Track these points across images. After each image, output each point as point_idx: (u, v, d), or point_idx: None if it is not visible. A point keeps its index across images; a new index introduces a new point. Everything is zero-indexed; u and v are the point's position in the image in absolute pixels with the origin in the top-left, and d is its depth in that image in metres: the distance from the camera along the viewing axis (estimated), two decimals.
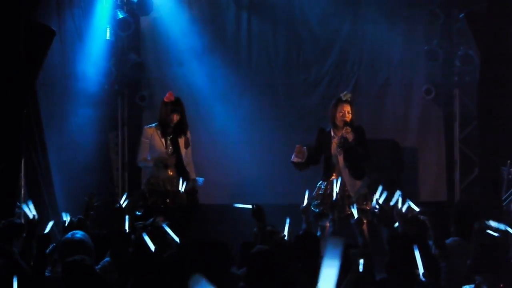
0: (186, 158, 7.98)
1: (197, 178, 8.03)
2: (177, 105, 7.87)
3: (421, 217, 5.84)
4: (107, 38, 9.42)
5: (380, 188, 6.23)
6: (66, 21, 8.63)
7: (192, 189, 7.88)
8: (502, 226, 5.52)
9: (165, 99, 7.90)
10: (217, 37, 9.94)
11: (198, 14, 9.93)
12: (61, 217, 7.89)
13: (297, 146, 7.86)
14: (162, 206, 7.66)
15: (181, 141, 7.92)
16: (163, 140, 7.88)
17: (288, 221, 5.91)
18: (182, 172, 7.84)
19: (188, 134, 7.98)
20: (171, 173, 7.84)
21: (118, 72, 9.58)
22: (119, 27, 9.43)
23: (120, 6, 9.56)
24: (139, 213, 7.25)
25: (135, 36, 9.80)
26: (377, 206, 6.00)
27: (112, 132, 9.89)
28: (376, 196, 6.15)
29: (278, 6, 9.87)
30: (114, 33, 9.48)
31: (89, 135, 9.15)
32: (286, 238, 5.76)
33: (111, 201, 9.52)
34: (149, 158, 7.93)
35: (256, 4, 9.92)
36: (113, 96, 9.80)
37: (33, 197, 7.71)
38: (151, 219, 6.52)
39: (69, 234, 5.50)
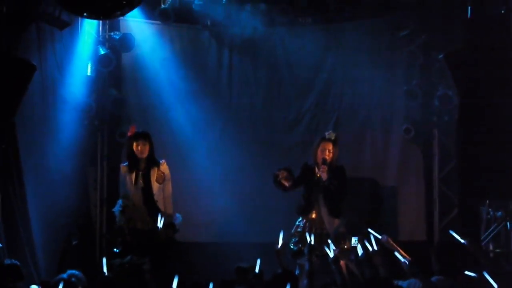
0: (162, 193, 7.91)
1: (176, 214, 7.97)
2: (141, 136, 7.86)
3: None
4: (88, 73, 9.41)
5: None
6: (47, 56, 8.61)
7: (169, 225, 7.80)
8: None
9: (129, 133, 7.91)
10: (199, 73, 9.99)
11: (179, 51, 9.98)
12: (38, 260, 7.86)
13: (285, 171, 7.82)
14: (137, 244, 7.55)
15: (153, 174, 7.87)
16: (133, 175, 7.83)
17: (259, 261, 5.88)
18: (152, 207, 7.76)
19: (165, 169, 7.92)
20: (143, 210, 7.76)
21: (98, 108, 9.57)
22: (101, 63, 9.44)
23: (102, 42, 9.59)
24: (117, 250, 7.18)
25: (116, 72, 9.80)
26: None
27: (91, 168, 9.83)
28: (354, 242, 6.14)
29: (260, 44, 9.95)
30: (95, 68, 9.49)
31: (68, 171, 9.07)
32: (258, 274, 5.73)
33: (89, 239, 9.47)
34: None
35: (237, 41, 9.99)
36: (93, 131, 9.76)
37: (9, 235, 7.63)
38: (129, 257, 6.46)
39: (65, 275, 5.45)
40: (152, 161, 7.89)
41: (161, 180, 7.86)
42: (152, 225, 7.59)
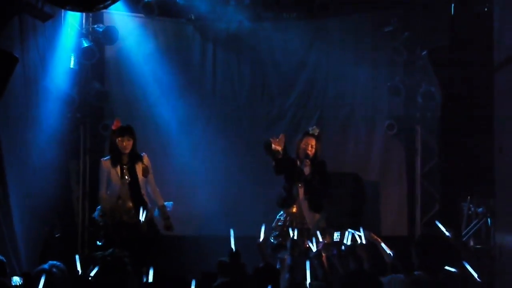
0: (149, 186, 7.91)
1: (165, 203, 7.97)
2: (126, 131, 7.83)
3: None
4: (71, 66, 9.36)
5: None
6: (29, 48, 8.54)
7: (152, 221, 7.80)
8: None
9: (113, 127, 7.88)
10: (182, 67, 9.97)
11: (163, 44, 9.96)
12: (19, 253, 7.81)
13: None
14: (118, 237, 7.55)
15: (138, 168, 7.86)
16: (118, 169, 7.81)
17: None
18: (139, 201, 7.76)
19: (147, 161, 7.91)
20: (129, 204, 7.76)
21: (81, 101, 9.53)
22: (84, 55, 9.40)
23: (85, 34, 9.55)
24: (100, 243, 7.17)
25: (99, 65, 9.77)
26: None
27: (74, 161, 9.79)
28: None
29: (244, 39, 9.94)
30: (78, 61, 9.43)
31: (50, 164, 9.02)
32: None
33: (71, 231, 9.44)
34: (107, 192, 7.84)
35: (221, 36, 9.97)
36: (76, 124, 9.72)
37: None
38: (111, 250, 6.46)
39: (46, 265, 5.43)
40: (135, 156, 7.86)
41: (146, 173, 7.85)
42: (137, 219, 7.58)
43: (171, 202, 8.04)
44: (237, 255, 5.86)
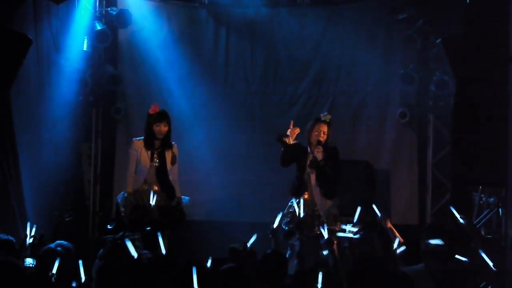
0: (171, 175, 7.90)
1: (182, 197, 7.97)
2: (164, 116, 7.83)
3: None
4: (84, 49, 9.37)
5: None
6: (43, 30, 8.56)
7: (180, 205, 7.83)
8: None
9: (150, 111, 7.86)
10: (195, 52, 9.95)
11: (176, 29, 9.93)
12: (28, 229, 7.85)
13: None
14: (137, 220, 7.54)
15: (168, 155, 7.86)
16: (148, 153, 7.82)
17: (255, 236, 5.90)
18: (166, 187, 7.78)
19: (176, 151, 7.91)
20: (156, 188, 7.75)
21: (93, 84, 9.54)
22: (97, 38, 9.39)
23: (99, 17, 9.55)
24: (111, 227, 7.18)
25: (112, 48, 9.78)
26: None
27: (86, 144, 9.82)
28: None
29: (257, 25, 9.91)
30: (92, 44, 9.43)
31: (62, 146, 9.07)
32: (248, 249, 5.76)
33: (81, 214, 9.48)
34: (136, 173, 7.85)
35: (235, 21, 9.94)
36: (88, 107, 9.75)
37: (2, 207, 7.62)
38: (121, 233, 6.48)
39: (53, 245, 5.45)
40: (168, 143, 7.86)
41: (174, 161, 7.86)
42: (165, 202, 7.59)
43: (188, 198, 8.03)
44: (252, 253, 5.84)
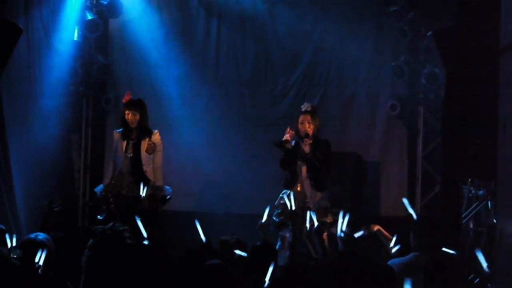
0: (153, 163, 7.86)
1: (165, 186, 7.95)
2: (132, 104, 7.78)
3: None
4: (75, 38, 9.35)
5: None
6: (33, 19, 8.54)
7: (153, 197, 7.79)
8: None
9: (123, 100, 7.85)
10: (186, 43, 9.94)
11: (167, 19, 9.92)
12: (19, 222, 7.83)
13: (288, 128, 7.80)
14: (120, 211, 7.54)
15: (144, 144, 7.82)
16: (124, 143, 7.81)
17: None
18: (140, 177, 7.74)
19: (156, 139, 7.87)
20: (129, 178, 7.75)
21: (84, 73, 9.53)
22: (88, 28, 9.38)
23: (90, 7, 9.52)
24: (101, 217, 7.18)
25: (103, 38, 9.77)
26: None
27: (76, 134, 9.82)
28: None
29: (248, 16, 9.89)
30: (82, 34, 9.43)
31: (52, 136, 9.05)
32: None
33: (71, 204, 9.46)
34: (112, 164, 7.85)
35: (226, 12, 9.93)
36: (78, 97, 9.74)
37: None
38: (111, 224, 6.47)
39: (33, 235, 5.43)
40: (144, 131, 7.82)
41: (151, 150, 7.79)
42: (137, 193, 7.57)
43: (170, 188, 7.99)
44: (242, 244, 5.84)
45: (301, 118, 7.76)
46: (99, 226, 6.46)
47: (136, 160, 7.78)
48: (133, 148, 7.78)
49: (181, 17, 9.99)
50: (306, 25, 9.91)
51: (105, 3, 9.43)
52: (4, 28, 7.31)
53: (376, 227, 6.20)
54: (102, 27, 9.49)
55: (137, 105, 7.79)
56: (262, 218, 6.52)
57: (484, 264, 5.11)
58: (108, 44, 9.89)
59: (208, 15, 9.98)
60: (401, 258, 5.55)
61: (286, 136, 7.71)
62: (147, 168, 7.82)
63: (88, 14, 9.35)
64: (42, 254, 4.95)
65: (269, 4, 9.87)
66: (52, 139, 9.03)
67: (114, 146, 7.93)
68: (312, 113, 7.77)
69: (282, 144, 7.70)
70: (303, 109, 7.80)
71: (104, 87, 9.88)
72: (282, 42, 9.98)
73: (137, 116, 7.75)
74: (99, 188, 7.86)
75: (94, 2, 9.57)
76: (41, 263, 4.93)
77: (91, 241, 5.92)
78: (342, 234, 5.48)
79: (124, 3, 9.53)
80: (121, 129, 7.90)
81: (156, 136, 7.86)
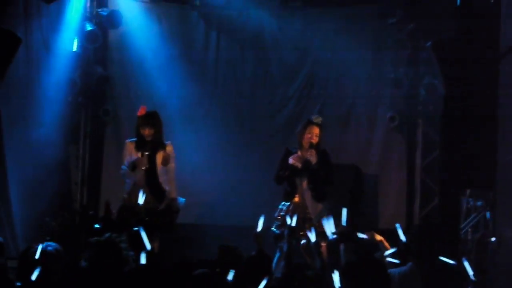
0: (166, 175, 7.85)
1: (178, 198, 7.94)
2: (149, 118, 7.78)
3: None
4: (74, 49, 9.34)
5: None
6: (33, 30, 8.54)
7: (170, 208, 7.79)
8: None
9: (138, 113, 7.84)
10: (185, 54, 9.93)
11: (167, 30, 9.93)
12: (16, 234, 7.80)
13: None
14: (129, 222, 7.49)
15: (159, 157, 7.81)
16: (139, 155, 7.78)
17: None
18: (155, 189, 7.74)
19: (170, 150, 7.86)
20: (146, 190, 7.71)
21: (82, 85, 9.51)
22: (87, 39, 9.38)
23: (89, 18, 9.53)
24: (98, 227, 7.14)
25: (102, 49, 9.75)
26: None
27: (73, 145, 9.77)
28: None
29: (248, 26, 9.91)
30: (82, 45, 9.42)
31: (49, 147, 9.02)
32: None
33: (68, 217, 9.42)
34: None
35: (225, 23, 9.94)
36: (76, 108, 9.71)
37: None
38: (107, 234, 6.43)
39: (44, 245, 5.40)
40: (158, 143, 7.82)
41: (166, 162, 7.80)
42: (153, 205, 7.56)
43: (184, 199, 8.00)
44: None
45: (309, 129, 7.76)
46: (95, 238, 6.42)
47: (151, 172, 7.77)
48: (148, 160, 7.76)
49: (180, 28, 9.99)
50: (305, 37, 9.93)
51: (105, 14, 9.44)
52: (4, 38, 7.32)
53: (379, 238, 6.19)
54: (101, 38, 9.49)
55: (153, 118, 7.79)
56: (257, 228, 6.49)
57: (471, 273, 5.13)
58: (108, 55, 9.88)
59: (207, 26, 9.99)
60: (400, 268, 5.53)
61: (295, 163, 7.69)
62: (162, 179, 7.82)
63: (87, 25, 9.35)
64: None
65: (268, 16, 9.88)
66: (50, 150, 9.01)
67: (127, 154, 7.85)
68: (321, 126, 7.80)
69: (293, 169, 7.68)
70: (314, 120, 7.79)
71: (103, 99, 9.86)
72: (281, 54, 9.99)
73: (152, 131, 7.75)
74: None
75: (94, 13, 9.57)
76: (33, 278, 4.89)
77: (87, 252, 5.89)
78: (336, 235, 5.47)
79: (124, 14, 9.54)
80: (134, 139, 7.87)
81: (170, 148, 7.88)
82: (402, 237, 5.83)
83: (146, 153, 7.73)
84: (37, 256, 4.98)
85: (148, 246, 5.47)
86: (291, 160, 7.74)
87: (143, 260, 4.95)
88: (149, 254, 5.13)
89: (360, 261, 5.08)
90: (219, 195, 9.72)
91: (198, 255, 6.95)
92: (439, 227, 7.19)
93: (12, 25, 7.81)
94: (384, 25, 9.60)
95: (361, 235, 5.95)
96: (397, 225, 5.82)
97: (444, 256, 5.51)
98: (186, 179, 9.64)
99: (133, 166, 7.72)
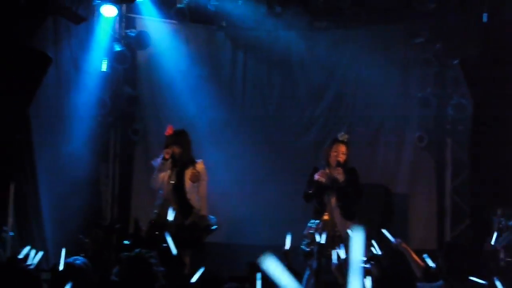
0: (196, 192, 7.90)
1: (210, 216, 7.96)
2: (176, 137, 7.86)
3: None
4: (103, 69, 9.43)
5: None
6: (63, 50, 8.65)
7: (196, 225, 7.80)
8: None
9: (165, 133, 7.92)
10: (213, 74, 10.00)
11: (194, 51, 10.00)
12: (47, 248, 7.83)
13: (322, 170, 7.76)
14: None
15: (187, 173, 7.85)
16: (169, 171, 7.85)
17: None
18: (183, 206, 7.77)
19: (201, 168, 7.90)
20: (175, 206, 7.75)
21: (112, 104, 9.58)
22: (116, 59, 9.47)
23: (118, 39, 9.63)
24: (128, 242, 7.17)
25: (131, 70, 9.84)
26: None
27: (103, 165, 9.84)
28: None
29: (275, 47, 9.95)
30: (111, 65, 9.51)
31: (80, 166, 9.08)
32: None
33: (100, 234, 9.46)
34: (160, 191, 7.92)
35: (252, 43, 10.00)
36: (106, 128, 9.78)
37: (21, 226, 7.64)
38: (137, 250, 6.44)
39: (71, 259, 5.43)
40: (187, 160, 7.87)
41: (195, 179, 7.85)
42: (180, 221, 7.60)
43: (215, 218, 8.02)
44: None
45: (336, 147, 7.76)
46: (125, 253, 6.43)
47: (179, 188, 7.82)
48: (177, 176, 7.81)
49: (208, 49, 10.07)
50: (332, 57, 9.94)
51: (133, 35, 9.54)
52: (34, 57, 7.41)
53: (404, 245, 6.14)
54: (130, 59, 9.58)
55: (179, 137, 7.88)
56: (285, 245, 6.47)
57: None
58: (136, 75, 9.97)
59: (234, 46, 10.06)
60: (431, 284, 5.47)
61: (320, 178, 7.68)
62: (191, 196, 7.85)
63: (116, 46, 9.45)
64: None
65: (296, 37, 9.91)
66: (80, 169, 9.07)
67: (157, 165, 7.92)
68: (347, 144, 7.78)
69: (318, 185, 7.67)
70: (340, 138, 7.79)
71: (132, 118, 9.93)
72: (308, 74, 10.01)
73: (180, 149, 7.79)
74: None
75: (123, 34, 9.67)
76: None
77: (116, 268, 5.91)
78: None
79: (152, 35, 9.63)
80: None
81: (201, 165, 7.94)
82: (431, 264, 5.79)
83: (168, 158, 7.77)
84: (60, 268, 4.99)
85: (174, 251, 5.49)
86: (316, 176, 7.73)
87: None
88: (180, 268, 5.14)
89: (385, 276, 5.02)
90: (248, 215, 9.71)
91: (227, 273, 6.92)
92: (470, 246, 7.10)
93: (43, 45, 7.92)
94: (411, 44, 9.58)
95: (389, 237, 5.90)
96: (425, 255, 5.79)
97: (475, 276, 5.45)
98: (216, 199, 9.67)
99: (162, 164, 7.76)
